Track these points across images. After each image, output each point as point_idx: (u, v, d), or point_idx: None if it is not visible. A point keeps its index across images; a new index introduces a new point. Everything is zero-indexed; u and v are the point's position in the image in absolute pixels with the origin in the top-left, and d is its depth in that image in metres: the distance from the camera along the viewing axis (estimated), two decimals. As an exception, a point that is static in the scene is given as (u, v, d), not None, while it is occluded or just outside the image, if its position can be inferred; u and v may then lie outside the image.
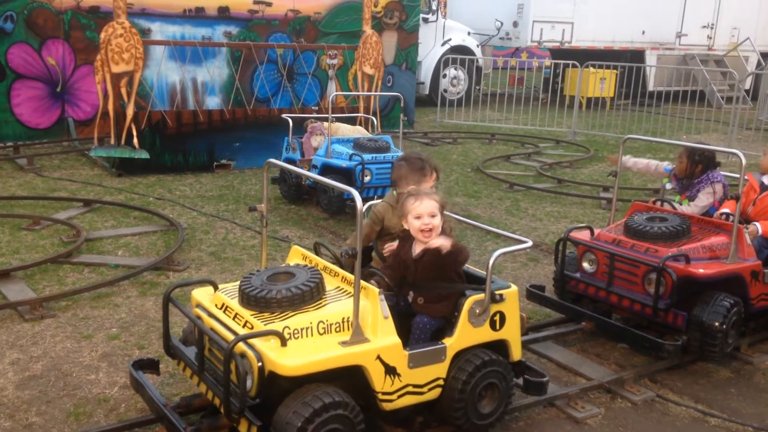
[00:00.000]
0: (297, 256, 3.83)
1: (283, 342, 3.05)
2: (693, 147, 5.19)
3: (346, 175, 7.27)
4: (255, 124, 9.80)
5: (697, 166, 5.16)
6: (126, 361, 4.22)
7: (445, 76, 16.15)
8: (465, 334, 3.47)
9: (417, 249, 3.59)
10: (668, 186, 5.48)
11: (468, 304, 3.46)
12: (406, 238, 3.65)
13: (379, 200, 4.21)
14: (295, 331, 3.11)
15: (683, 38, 18.42)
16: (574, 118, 13.89)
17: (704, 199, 5.12)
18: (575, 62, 14.60)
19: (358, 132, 8.36)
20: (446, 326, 3.52)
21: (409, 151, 4.36)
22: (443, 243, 3.44)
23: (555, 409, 3.99)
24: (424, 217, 3.51)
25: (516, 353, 3.69)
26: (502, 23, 17.06)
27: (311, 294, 3.28)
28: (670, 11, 18.03)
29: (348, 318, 3.19)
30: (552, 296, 5.02)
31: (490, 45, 18.14)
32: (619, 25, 17.34)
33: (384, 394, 3.25)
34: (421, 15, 14.65)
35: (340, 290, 3.42)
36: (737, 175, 4.68)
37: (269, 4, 11.93)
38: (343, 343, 3.14)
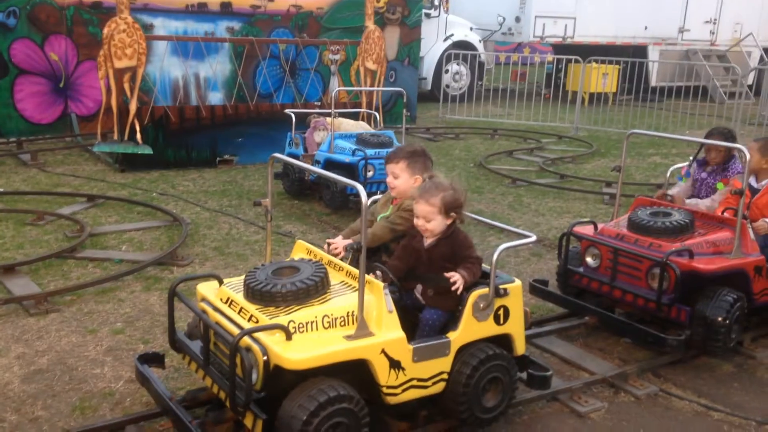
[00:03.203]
0: (301, 250, 3.84)
1: (288, 336, 3.06)
2: (710, 139, 5.20)
3: (348, 170, 7.28)
4: (258, 119, 9.81)
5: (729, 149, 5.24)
6: (131, 356, 4.24)
7: (447, 71, 16.15)
8: (469, 329, 3.48)
9: (428, 239, 3.61)
10: (682, 183, 5.45)
11: (472, 298, 3.47)
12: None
13: (382, 195, 4.21)
14: (300, 325, 3.12)
15: (686, 33, 18.38)
16: (577, 113, 13.88)
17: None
18: (578, 57, 14.58)
19: (361, 127, 8.37)
20: (450, 320, 3.53)
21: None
22: (459, 279, 3.46)
23: (558, 403, 4.01)
24: (420, 219, 3.56)
25: (520, 347, 3.70)
26: (504, 18, 17.03)
27: (316, 288, 3.28)
28: (673, 6, 17.99)
29: (353, 312, 3.20)
30: (555, 291, 5.03)
31: (492, 40, 18.11)
32: (621, 20, 17.31)
33: (388, 387, 3.26)
34: (424, 10, 14.63)
35: (345, 284, 3.43)
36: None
37: (272, 0, 11.92)
38: (348, 337, 3.15)
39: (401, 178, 3.91)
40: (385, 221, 3.88)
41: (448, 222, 3.55)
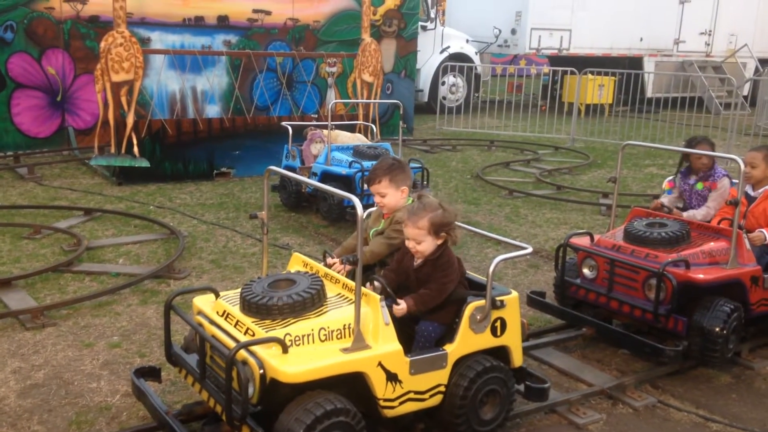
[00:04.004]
0: (298, 263, 3.84)
1: (285, 349, 3.05)
2: (697, 147, 5.26)
3: (345, 182, 7.29)
4: (254, 132, 9.83)
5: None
6: (127, 369, 4.22)
7: (443, 83, 16.20)
8: (466, 341, 3.47)
9: (418, 259, 3.61)
10: (669, 194, 5.50)
11: (469, 310, 3.46)
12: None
13: (373, 210, 4.21)
14: (297, 338, 3.12)
15: (681, 45, 18.48)
16: (573, 124, 13.92)
17: (725, 184, 5.27)
18: (573, 69, 14.64)
19: (358, 139, 8.38)
20: (447, 333, 3.53)
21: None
22: (401, 307, 3.46)
23: (556, 415, 4.00)
24: (411, 242, 3.58)
25: (517, 359, 3.69)
26: (500, 31, 17.11)
27: (312, 301, 3.28)
28: (668, 18, 18.10)
29: (349, 325, 3.20)
30: (552, 302, 5.03)
31: (488, 52, 18.21)
32: (617, 32, 17.40)
33: (385, 400, 3.25)
34: (420, 23, 14.69)
35: (341, 297, 3.43)
36: (735, 181, 4.70)
37: (268, 13, 11.98)
38: (345, 350, 3.14)
39: (388, 195, 3.94)
40: (381, 237, 3.89)
41: (439, 242, 3.55)
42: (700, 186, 5.33)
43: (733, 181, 5.25)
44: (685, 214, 5.27)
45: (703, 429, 3.97)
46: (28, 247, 6.43)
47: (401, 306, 3.45)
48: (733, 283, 4.46)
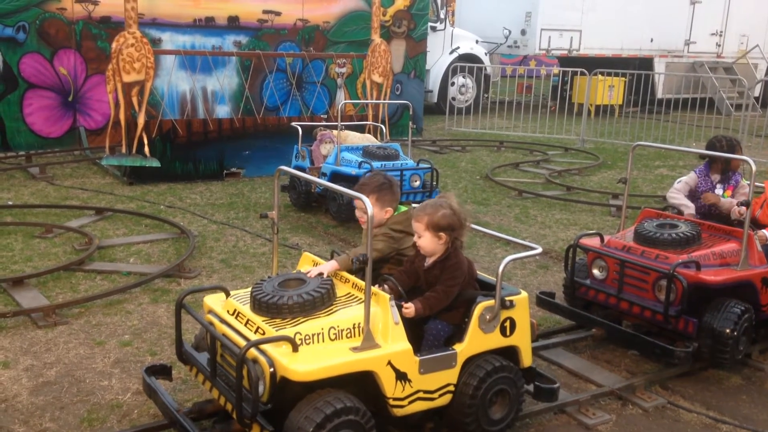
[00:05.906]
0: (308, 262, 3.85)
1: (295, 348, 3.07)
2: (713, 152, 5.25)
3: (355, 182, 7.25)
4: (264, 132, 9.86)
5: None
6: (138, 368, 4.25)
7: (453, 84, 16.19)
8: (475, 340, 3.48)
9: (429, 260, 3.62)
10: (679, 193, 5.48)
11: (478, 310, 3.47)
12: None
13: None
14: (307, 337, 3.13)
15: (692, 46, 18.40)
16: (583, 125, 13.89)
17: (745, 186, 5.29)
18: (583, 70, 14.61)
19: (367, 140, 8.40)
20: (457, 332, 3.54)
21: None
22: (409, 309, 3.45)
23: (566, 415, 4.00)
24: (415, 235, 3.61)
25: (526, 359, 3.69)
26: (510, 31, 17.09)
27: (322, 300, 3.30)
28: (679, 19, 18.02)
29: (359, 324, 3.21)
30: (562, 303, 5.02)
31: (498, 53, 18.18)
32: (627, 32, 17.34)
33: (395, 399, 3.26)
34: (430, 24, 14.70)
35: (351, 296, 3.45)
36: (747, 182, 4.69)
37: (278, 14, 12.01)
38: (354, 349, 3.15)
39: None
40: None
41: (440, 242, 3.55)
42: (745, 180, 5.31)
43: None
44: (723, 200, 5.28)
45: (713, 430, 3.96)
46: (40, 246, 6.48)
47: (410, 308, 3.46)
48: (744, 285, 4.45)
